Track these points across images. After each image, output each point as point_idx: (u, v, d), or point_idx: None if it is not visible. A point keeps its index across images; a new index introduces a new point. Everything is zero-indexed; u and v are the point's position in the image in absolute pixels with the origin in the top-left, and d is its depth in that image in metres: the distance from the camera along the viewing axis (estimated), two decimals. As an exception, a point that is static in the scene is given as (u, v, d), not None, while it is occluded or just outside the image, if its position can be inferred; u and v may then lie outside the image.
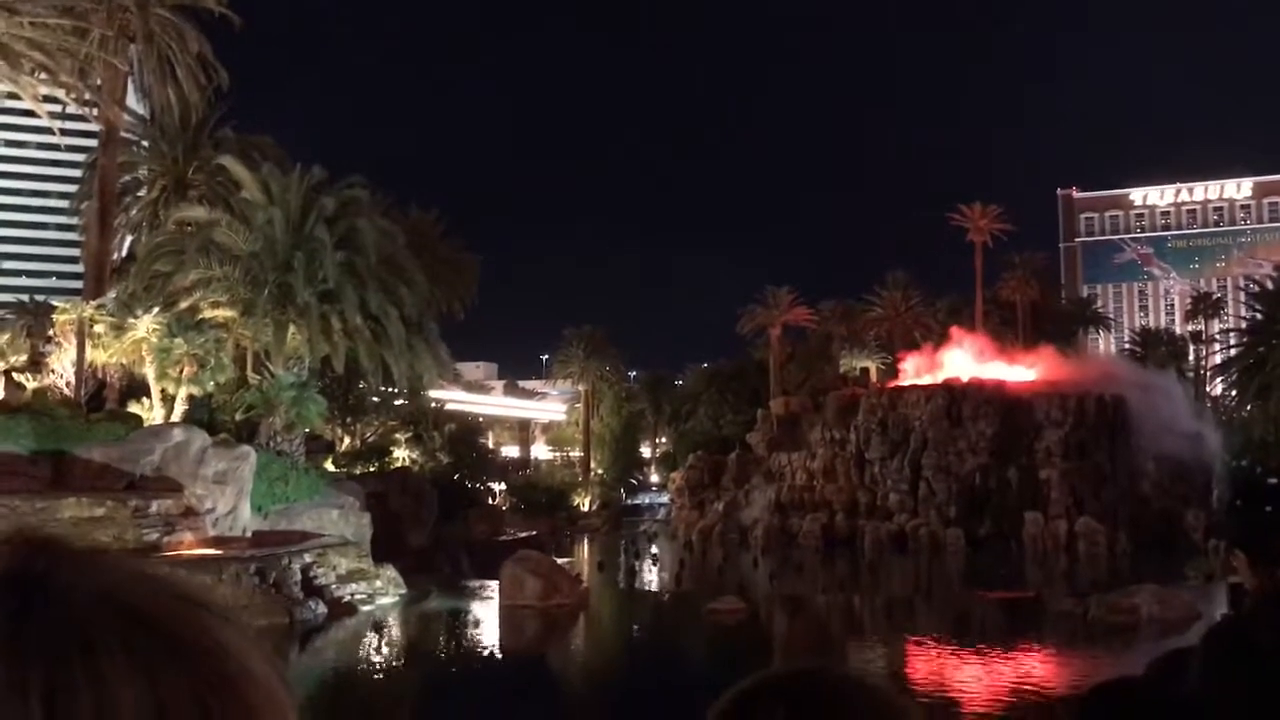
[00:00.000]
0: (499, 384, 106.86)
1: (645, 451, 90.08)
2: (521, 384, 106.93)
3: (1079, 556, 45.62)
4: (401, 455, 54.24)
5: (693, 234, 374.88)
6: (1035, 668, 21.41)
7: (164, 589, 0.74)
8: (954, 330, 64.51)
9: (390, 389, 50.23)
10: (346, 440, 54.14)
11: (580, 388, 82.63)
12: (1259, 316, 62.22)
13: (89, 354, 35.80)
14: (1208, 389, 75.44)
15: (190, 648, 0.71)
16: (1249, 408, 61.09)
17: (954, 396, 54.13)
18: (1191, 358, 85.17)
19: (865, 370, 77.67)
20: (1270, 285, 64.08)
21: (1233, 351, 66.00)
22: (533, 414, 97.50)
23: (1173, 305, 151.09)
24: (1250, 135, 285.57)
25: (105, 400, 36.94)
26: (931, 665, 22.04)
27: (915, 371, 60.59)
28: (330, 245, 39.77)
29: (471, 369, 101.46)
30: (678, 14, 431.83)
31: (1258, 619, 2.32)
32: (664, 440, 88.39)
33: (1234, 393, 63.41)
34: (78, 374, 35.74)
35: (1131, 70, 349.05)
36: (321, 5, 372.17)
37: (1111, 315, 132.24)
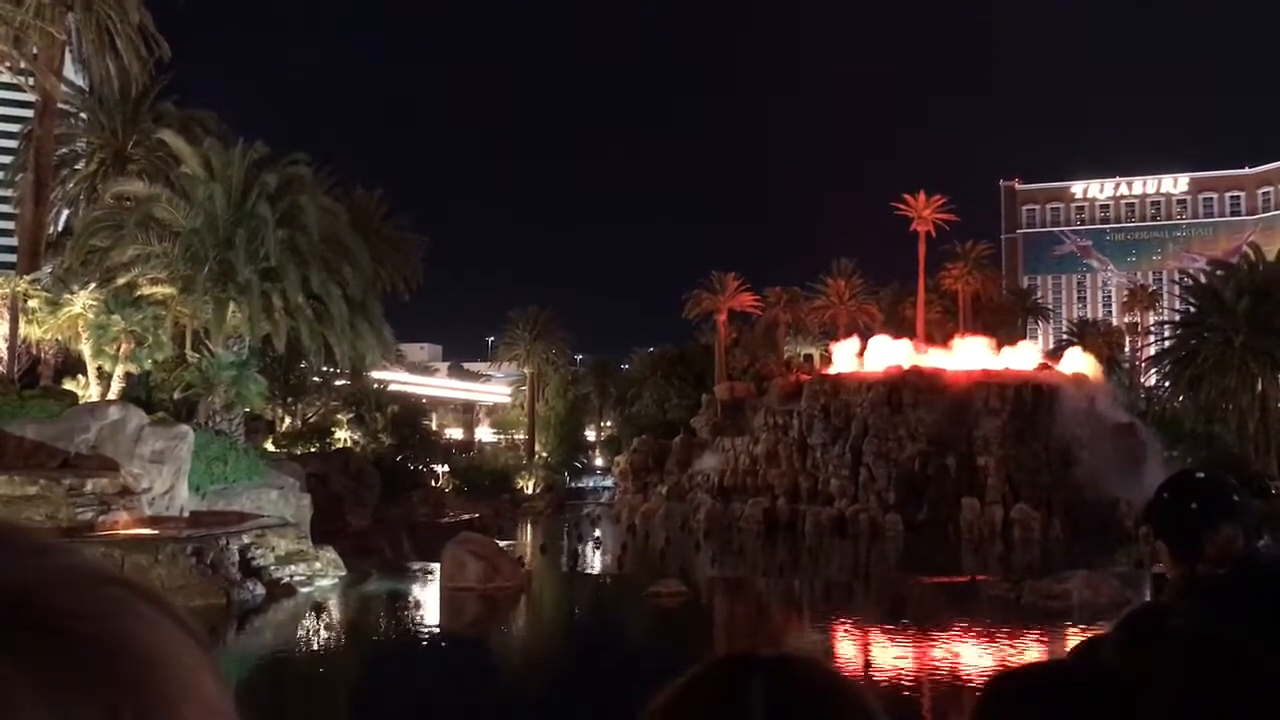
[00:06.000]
0: (443, 366, 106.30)
1: (590, 435, 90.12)
2: (466, 366, 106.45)
3: (1014, 542, 46.45)
4: (343, 436, 53.82)
5: (640, 221, 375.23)
6: (967, 649, 21.82)
7: (88, 578, 0.61)
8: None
9: (332, 369, 49.75)
10: (287, 420, 53.62)
11: (526, 370, 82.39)
12: (1192, 310, 63.55)
13: (23, 329, 35.09)
14: (1142, 380, 77.06)
15: (113, 660, 0.58)
16: (1181, 399, 62.49)
17: (894, 385, 54.75)
18: (1127, 349, 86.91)
19: (809, 356, 78.46)
20: (1203, 279, 65.48)
21: (1166, 343, 67.42)
22: (477, 396, 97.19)
23: (1110, 297, 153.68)
24: (1186, 132, 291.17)
25: (39, 377, 36.26)
26: (868, 646, 22.39)
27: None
28: (272, 222, 39.16)
29: (416, 350, 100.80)
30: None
31: (1174, 606, 2.43)
32: (609, 424, 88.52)
33: (1167, 384, 64.75)
34: (10, 349, 35.03)
35: (1074, 65, 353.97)
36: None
37: (1051, 306, 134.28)
